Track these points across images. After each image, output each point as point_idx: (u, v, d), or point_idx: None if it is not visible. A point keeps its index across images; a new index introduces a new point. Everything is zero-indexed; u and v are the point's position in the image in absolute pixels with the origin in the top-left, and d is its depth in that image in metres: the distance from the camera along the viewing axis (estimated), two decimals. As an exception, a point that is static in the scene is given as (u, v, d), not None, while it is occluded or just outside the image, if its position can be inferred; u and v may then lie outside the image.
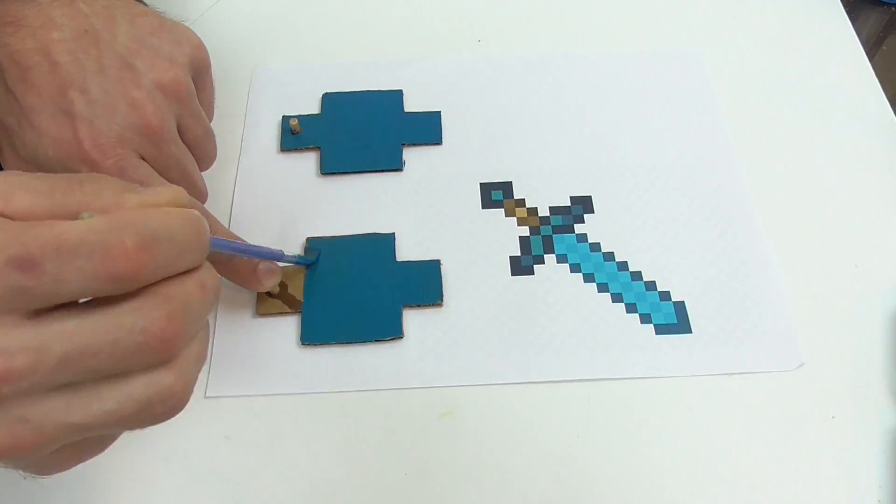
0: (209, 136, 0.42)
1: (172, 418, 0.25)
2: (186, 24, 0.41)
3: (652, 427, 0.40)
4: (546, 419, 0.40)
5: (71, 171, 0.33)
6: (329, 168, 0.49)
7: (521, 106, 0.52)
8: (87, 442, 0.26)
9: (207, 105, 0.42)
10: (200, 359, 0.26)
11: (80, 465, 0.38)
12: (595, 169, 0.49)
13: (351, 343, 0.42)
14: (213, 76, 0.43)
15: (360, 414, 0.40)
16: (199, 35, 0.41)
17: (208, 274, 0.26)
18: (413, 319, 0.43)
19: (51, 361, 0.22)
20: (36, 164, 0.36)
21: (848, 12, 0.58)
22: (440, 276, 0.44)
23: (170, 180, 0.38)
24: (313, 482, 0.39)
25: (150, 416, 0.25)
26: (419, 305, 0.43)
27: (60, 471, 0.26)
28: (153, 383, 0.24)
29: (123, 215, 0.23)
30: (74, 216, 0.24)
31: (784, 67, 0.54)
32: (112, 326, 0.23)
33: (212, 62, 0.42)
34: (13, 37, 0.36)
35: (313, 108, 0.52)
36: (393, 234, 0.46)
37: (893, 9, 0.76)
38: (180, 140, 0.39)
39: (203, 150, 0.42)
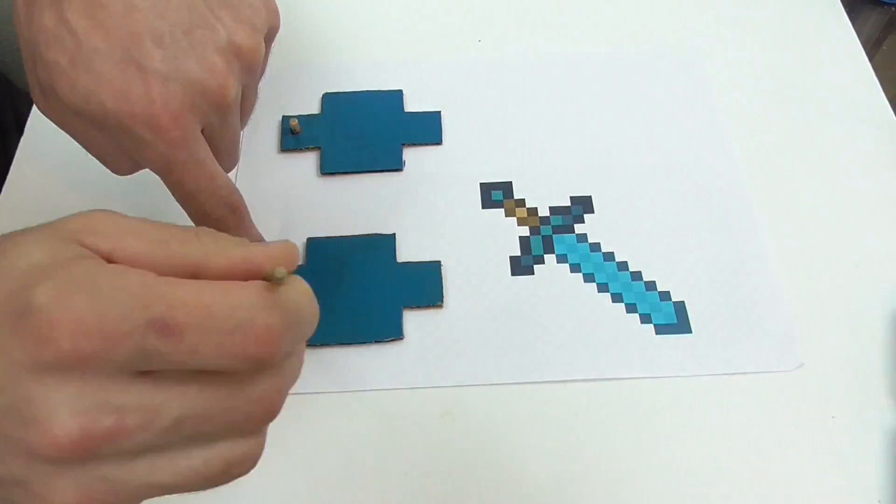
0: (253, 109, 0.38)
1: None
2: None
3: (651, 427, 0.40)
4: (546, 419, 0.40)
5: (126, 130, 0.31)
6: (329, 168, 0.49)
7: (521, 106, 0.52)
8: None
9: (262, 75, 0.38)
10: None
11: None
12: (595, 169, 0.49)
13: (351, 344, 0.42)
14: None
15: (360, 414, 0.40)
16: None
17: (303, 347, 0.25)
18: (413, 320, 0.43)
19: (165, 423, 0.21)
20: (82, 114, 0.32)
21: (847, 12, 0.58)
22: (440, 278, 0.44)
23: (219, 154, 0.35)
24: (312, 482, 0.39)
25: (225, 477, 0.24)
26: (419, 306, 0.43)
27: None
28: (237, 446, 0.24)
29: (273, 297, 0.22)
30: (192, 270, 0.23)
31: (784, 67, 0.54)
32: (231, 394, 0.22)
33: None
34: None
35: (313, 108, 0.52)
36: (393, 235, 0.46)
37: (893, 9, 0.76)
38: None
39: (245, 123, 0.38)
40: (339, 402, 0.41)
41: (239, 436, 0.23)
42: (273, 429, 0.40)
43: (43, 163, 0.49)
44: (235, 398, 0.22)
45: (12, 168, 0.49)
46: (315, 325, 0.24)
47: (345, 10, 0.57)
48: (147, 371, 0.21)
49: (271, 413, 0.23)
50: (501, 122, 0.51)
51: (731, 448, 0.39)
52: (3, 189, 0.48)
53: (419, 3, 0.58)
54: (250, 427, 0.23)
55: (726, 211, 0.47)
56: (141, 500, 0.23)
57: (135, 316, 0.20)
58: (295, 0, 0.58)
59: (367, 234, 0.46)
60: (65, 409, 0.20)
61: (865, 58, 0.55)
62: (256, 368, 0.22)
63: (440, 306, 0.43)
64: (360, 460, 0.39)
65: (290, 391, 0.40)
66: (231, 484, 0.38)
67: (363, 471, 0.39)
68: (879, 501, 0.38)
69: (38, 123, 0.51)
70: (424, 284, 0.44)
